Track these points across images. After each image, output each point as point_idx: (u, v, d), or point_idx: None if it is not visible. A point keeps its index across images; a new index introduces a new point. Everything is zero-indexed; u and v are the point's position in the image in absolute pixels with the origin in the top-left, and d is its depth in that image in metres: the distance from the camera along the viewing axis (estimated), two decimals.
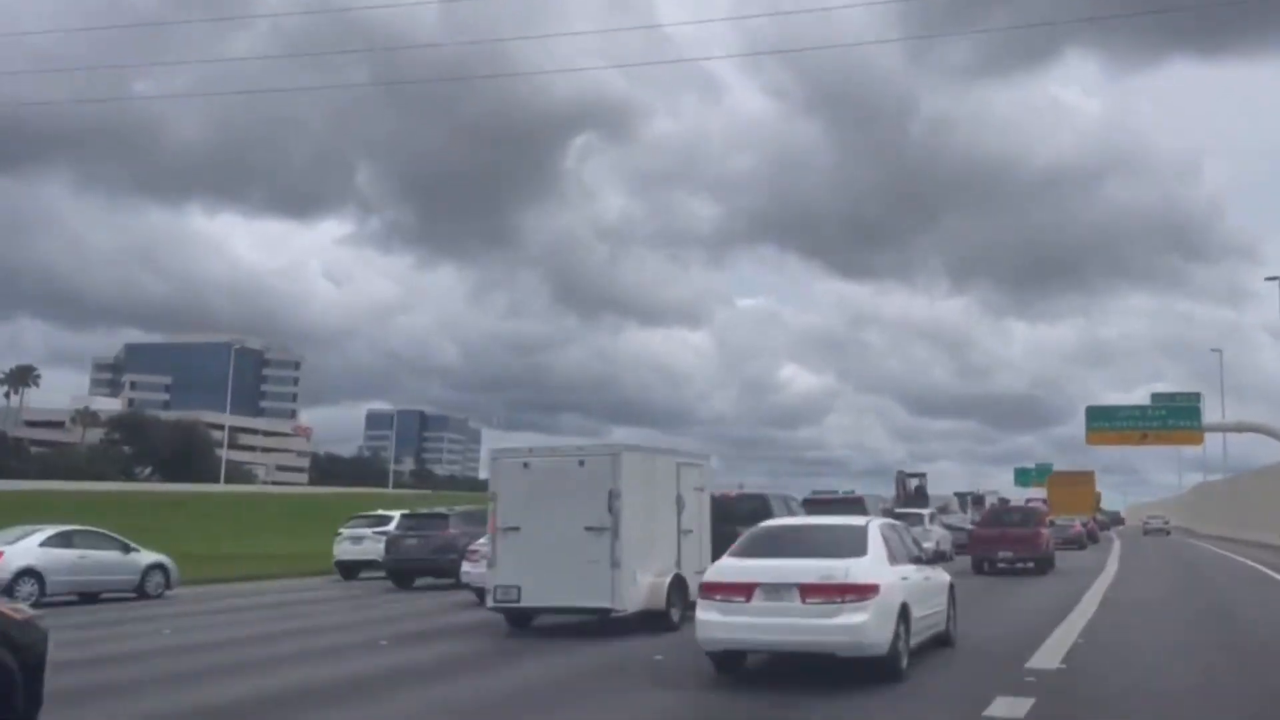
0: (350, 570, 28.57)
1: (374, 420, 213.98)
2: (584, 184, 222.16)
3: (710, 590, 10.42)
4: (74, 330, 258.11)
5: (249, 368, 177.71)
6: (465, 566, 19.60)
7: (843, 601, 9.86)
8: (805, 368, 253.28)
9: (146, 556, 22.79)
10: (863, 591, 9.90)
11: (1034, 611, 17.12)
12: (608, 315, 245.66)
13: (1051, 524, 34.83)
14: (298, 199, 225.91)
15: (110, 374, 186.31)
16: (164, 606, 20.42)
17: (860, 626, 9.77)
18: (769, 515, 17.00)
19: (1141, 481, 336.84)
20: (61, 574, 20.80)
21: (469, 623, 15.00)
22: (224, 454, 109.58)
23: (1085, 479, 62.13)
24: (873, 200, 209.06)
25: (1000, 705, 8.60)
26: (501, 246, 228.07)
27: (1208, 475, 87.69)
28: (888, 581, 10.29)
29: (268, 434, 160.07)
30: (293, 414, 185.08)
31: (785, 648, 10.23)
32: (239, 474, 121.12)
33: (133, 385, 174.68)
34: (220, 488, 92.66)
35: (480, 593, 15.98)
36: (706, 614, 10.34)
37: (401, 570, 24.88)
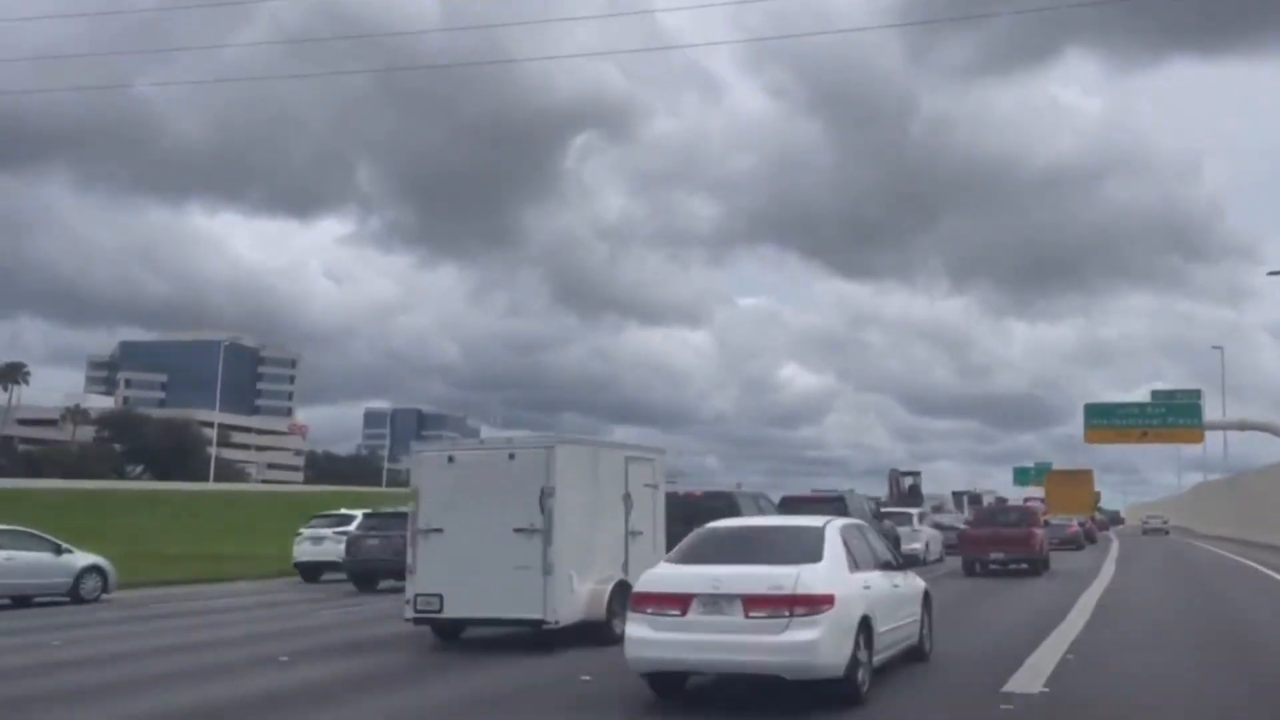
0: (311, 572, 27.23)
1: (372, 419, 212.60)
2: (584, 183, 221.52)
3: (640, 602, 9.07)
4: (75, 329, 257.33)
5: (245, 366, 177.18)
6: None
7: (791, 615, 8.52)
8: (805, 367, 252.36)
9: (81, 558, 21.41)
10: (814, 603, 8.57)
11: (1021, 620, 15.82)
12: (608, 315, 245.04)
13: (1046, 524, 33.60)
14: (298, 198, 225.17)
15: (107, 372, 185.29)
16: (92, 612, 19.07)
17: (811, 644, 8.44)
18: (736, 515, 15.66)
19: (1142, 481, 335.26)
20: None
21: (396, 635, 13.50)
22: (213, 451, 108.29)
23: (1084, 478, 60.88)
24: (873, 200, 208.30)
25: None
26: (502, 246, 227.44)
27: (1208, 475, 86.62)
28: (845, 592, 8.96)
29: (262, 432, 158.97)
30: (288, 412, 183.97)
31: (725, 668, 8.87)
32: (231, 472, 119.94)
33: (128, 383, 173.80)
34: (207, 486, 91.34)
35: None
36: (636, 629, 9.00)
37: (363, 572, 23.65)
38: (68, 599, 20.66)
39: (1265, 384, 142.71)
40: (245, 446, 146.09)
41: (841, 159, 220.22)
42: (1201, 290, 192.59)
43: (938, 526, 35.78)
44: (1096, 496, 70.92)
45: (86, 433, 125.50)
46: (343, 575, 24.91)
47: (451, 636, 12.97)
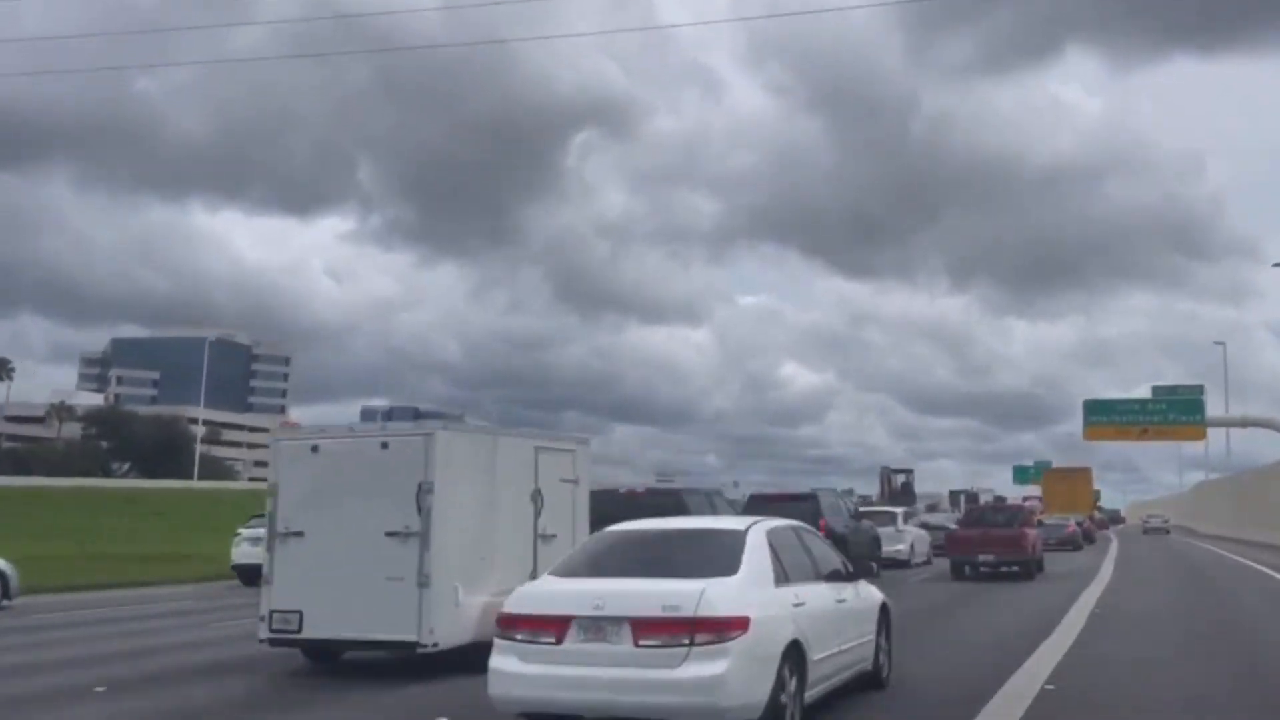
0: (250, 575, 25.36)
1: (369, 417, 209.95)
2: (585, 181, 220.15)
3: (509, 625, 7.25)
4: (75, 327, 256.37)
5: (238, 363, 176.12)
6: None
7: (691, 644, 6.74)
8: (806, 366, 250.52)
9: None
10: (722, 628, 6.78)
11: (1004, 633, 14.01)
12: (609, 313, 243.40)
13: (1040, 523, 31.85)
14: (299, 196, 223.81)
15: (99, 369, 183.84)
16: None
17: (715, 681, 6.65)
18: (684, 515, 13.88)
19: (1142, 479, 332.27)
20: None
21: (269, 655, 11.11)
22: (198, 449, 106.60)
23: (1082, 475, 59.03)
24: (873, 198, 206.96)
25: None
26: (502, 244, 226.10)
27: (1209, 474, 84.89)
28: (766, 612, 7.17)
29: (253, 429, 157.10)
30: (282, 410, 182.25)
31: (609, 711, 6.94)
32: (219, 470, 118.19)
33: (119, 380, 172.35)
34: (192, 484, 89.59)
35: None
36: (501, 660, 7.19)
37: None
38: None
39: (1267, 382, 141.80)
40: (237, 444, 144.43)
41: (842, 157, 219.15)
42: (1203, 289, 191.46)
43: (925, 526, 33.92)
44: (1096, 495, 69.24)
45: (75, 430, 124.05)
46: None
47: (326, 658, 10.89)
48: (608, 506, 14.60)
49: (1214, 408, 50.13)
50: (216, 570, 27.41)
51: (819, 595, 8.28)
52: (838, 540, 21.81)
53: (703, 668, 6.66)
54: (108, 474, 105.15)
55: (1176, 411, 44.66)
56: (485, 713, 7.62)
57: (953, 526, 32.72)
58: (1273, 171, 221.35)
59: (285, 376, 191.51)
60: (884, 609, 9.82)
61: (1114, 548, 44.29)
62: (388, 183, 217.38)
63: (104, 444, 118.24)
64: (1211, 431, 50.58)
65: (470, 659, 10.12)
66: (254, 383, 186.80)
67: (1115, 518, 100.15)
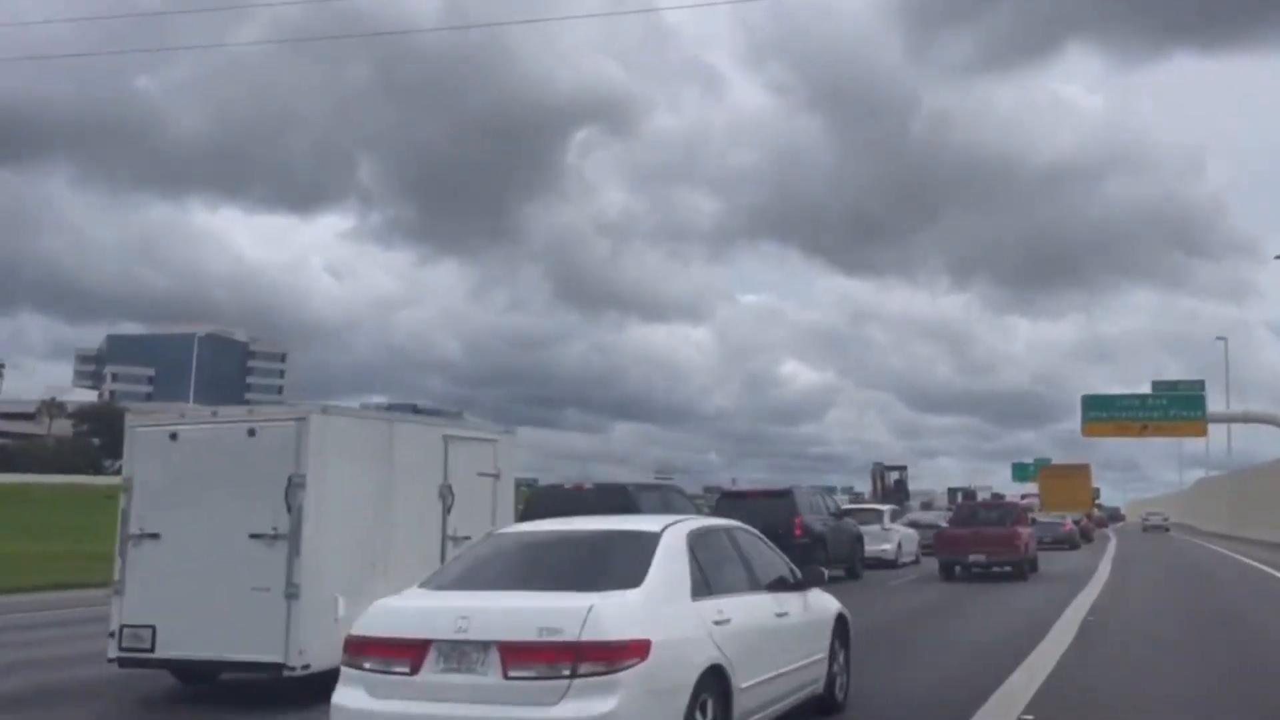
0: None
1: None
2: (585, 179, 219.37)
3: (356, 651, 5.92)
4: (75, 324, 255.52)
5: (234, 360, 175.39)
6: None
7: (574, 675, 5.42)
8: (807, 364, 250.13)
9: None
10: (613, 655, 5.44)
11: (987, 644, 12.71)
12: (609, 311, 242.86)
13: (1034, 522, 30.57)
14: (299, 194, 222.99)
15: (95, 366, 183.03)
16: None
17: None
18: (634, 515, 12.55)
19: (1143, 477, 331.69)
20: None
21: (126, 675, 9.36)
22: None
23: (1080, 472, 57.66)
24: (874, 196, 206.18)
25: None
26: (503, 242, 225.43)
27: (1210, 471, 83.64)
28: (674, 634, 5.85)
29: None
30: None
31: None
32: None
33: (114, 377, 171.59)
34: None
35: None
36: (348, 694, 5.86)
37: None
38: None
39: (1268, 380, 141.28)
40: None
41: (842, 155, 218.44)
42: (1203, 287, 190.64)
43: (914, 525, 32.55)
44: (1095, 493, 68.02)
45: (67, 427, 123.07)
46: None
47: (199, 680, 9.36)
48: (548, 503, 13.34)
49: (1215, 404, 49.12)
50: None
51: (753, 609, 6.98)
52: (815, 539, 20.54)
53: (586, 705, 5.34)
54: (99, 471, 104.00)
55: (1177, 407, 43.84)
56: None
57: (943, 524, 31.44)
58: (1273, 169, 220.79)
59: (281, 373, 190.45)
60: (841, 620, 8.50)
61: (1112, 546, 43.09)
62: (388, 181, 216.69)
63: (95, 440, 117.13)
64: (1212, 429, 49.67)
65: None
66: (250, 379, 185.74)
67: (1115, 515, 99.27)
